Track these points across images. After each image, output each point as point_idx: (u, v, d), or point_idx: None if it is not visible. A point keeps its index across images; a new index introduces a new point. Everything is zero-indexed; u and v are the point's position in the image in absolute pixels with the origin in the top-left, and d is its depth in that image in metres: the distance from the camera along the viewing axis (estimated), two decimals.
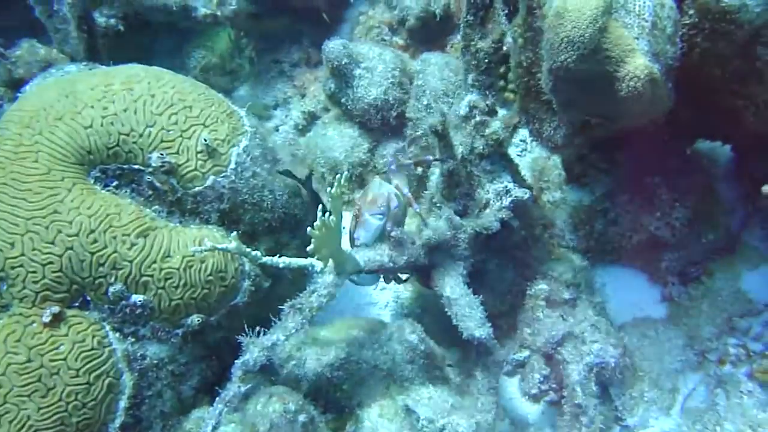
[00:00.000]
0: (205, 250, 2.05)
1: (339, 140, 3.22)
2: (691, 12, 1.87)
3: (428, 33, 3.47)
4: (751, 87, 1.99)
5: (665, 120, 2.09)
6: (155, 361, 2.15)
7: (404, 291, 3.02)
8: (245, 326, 2.11)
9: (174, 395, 2.21)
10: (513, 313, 2.69)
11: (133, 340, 2.11)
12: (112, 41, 3.18)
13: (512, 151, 3.24)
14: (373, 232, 2.39)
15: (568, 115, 1.98)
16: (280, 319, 2.12)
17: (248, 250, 2.10)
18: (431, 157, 2.36)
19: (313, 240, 1.95)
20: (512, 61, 2.14)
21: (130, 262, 2.08)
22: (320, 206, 1.96)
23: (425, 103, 2.97)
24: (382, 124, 3.18)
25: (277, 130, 3.55)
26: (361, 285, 2.78)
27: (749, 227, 2.70)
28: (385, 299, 3.03)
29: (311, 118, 3.52)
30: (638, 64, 1.70)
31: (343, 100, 3.17)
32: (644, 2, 1.73)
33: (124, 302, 2.07)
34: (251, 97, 3.62)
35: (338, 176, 2.02)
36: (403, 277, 2.60)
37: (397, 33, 3.58)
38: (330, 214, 2.03)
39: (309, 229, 1.93)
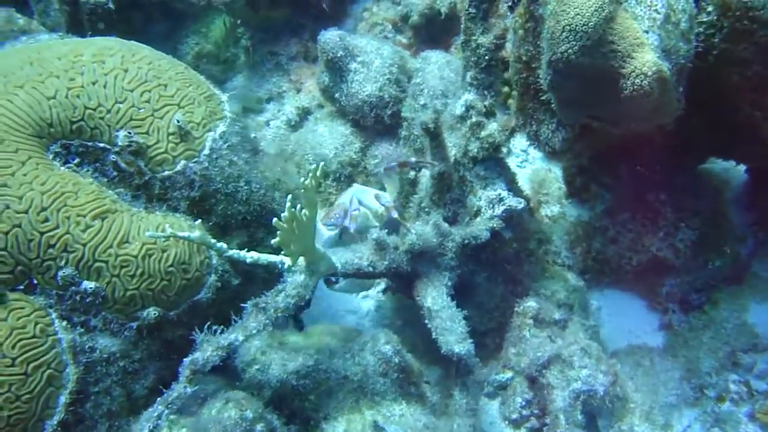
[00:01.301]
0: (164, 237, 1.89)
1: (330, 137, 3.06)
2: (709, 8, 1.70)
3: (433, 32, 3.32)
4: None
5: (674, 131, 1.92)
6: (105, 356, 1.97)
7: (387, 300, 2.84)
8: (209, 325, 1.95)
9: (124, 393, 2.03)
10: (501, 331, 2.51)
11: (82, 330, 1.94)
12: (101, 19, 3.03)
13: (513, 161, 3.08)
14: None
15: (567, 114, 1.81)
16: (241, 318, 1.95)
17: (213, 241, 1.94)
18: (414, 159, 2.19)
19: (279, 233, 1.78)
20: (510, 55, 1.98)
21: (83, 245, 1.91)
22: (289, 197, 1.79)
23: (422, 102, 2.81)
24: (376, 122, 3.02)
25: (268, 125, 3.40)
26: (345, 292, 2.63)
27: (760, 257, 2.51)
28: (367, 308, 2.85)
29: (305, 114, 3.37)
30: (646, 60, 1.53)
31: (336, 95, 3.01)
32: None
33: (73, 288, 1.90)
34: (245, 89, 3.47)
35: (313, 167, 1.85)
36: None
37: (401, 31, 3.43)
38: (302, 208, 1.86)
39: (275, 219, 1.76)
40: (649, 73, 1.54)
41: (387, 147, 3.00)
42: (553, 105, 1.82)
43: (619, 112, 1.66)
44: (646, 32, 1.56)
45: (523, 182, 2.90)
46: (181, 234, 1.87)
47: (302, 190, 1.86)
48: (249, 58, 3.41)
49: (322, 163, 1.89)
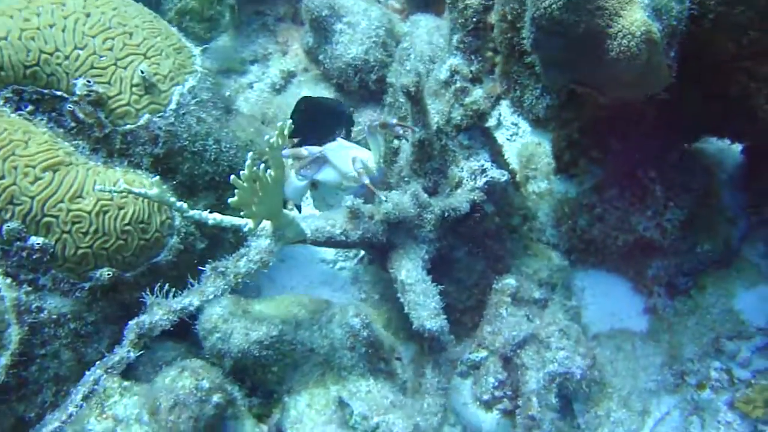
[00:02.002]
0: (116, 192, 1.77)
1: None
2: None
3: None
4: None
5: (667, 104, 1.79)
6: (54, 316, 1.87)
7: (364, 273, 2.73)
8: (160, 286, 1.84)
9: (74, 357, 1.93)
10: (479, 309, 2.40)
11: (29, 289, 1.83)
12: None
13: (502, 134, 2.96)
14: (293, 191, 2.14)
15: (551, 78, 1.68)
16: (198, 282, 1.84)
17: (173, 199, 1.82)
18: (394, 121, 2.07)
19: (237, 191, 1.66)
20: (495, 15, 1.85)
21: (32, 198, 1.80)
22: (250, 154, 1.67)
23: (408, 68, 2.67)
24: (360, 87, 2.89)
25: (251, 87, 3.26)
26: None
27: (751, 241, 2.40)
28: (343, 279, 2.74)
29: (290, 78, 3.23)
30: (635, 18, 1.41)
31: (320, 57, 2.88)
32: None
33: (19, 243, 1.79)
34: (229, 50, 3.32)
35: (280, 124, 1.73)
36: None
37: None
38: (267, 168, 1.74)
39: (233, 177, 1.65)
40: (638, 34, 1.41)
41: (371, 113, 2.87)
42: (536, 68, 1.69)
43: (605, 77, 1.54)
44: None
45: (512, 156, 2.78)
46: (136, 190, 1.76)
47: (267, 149, 1.74)
48: (234, 17, 3.26)
49: (289, 121, 1.76)
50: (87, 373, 1.73)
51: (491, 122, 2.87)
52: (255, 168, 1.68)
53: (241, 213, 1.76)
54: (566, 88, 1.73)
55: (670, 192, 2.15)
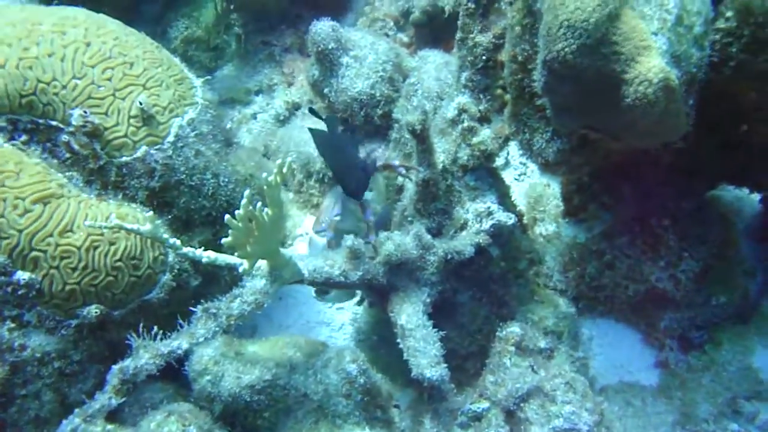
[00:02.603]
0: (107, 227, 1.69)
1: None
2: (728, 14, 1.50)
3: (435, 32, 3.13)
4: None
5: (683, 151, 1.72)
6: (38, 355, 1.79)
7: (364, 314, 2.65)
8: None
9: (57, 398, 1.84)
10: (482, 355, 2.30)
11: (12, 325, 1.75)
12: None
13: (510, 174, 2.89)
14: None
15: (562, 122, 1.61)
16: (189, 323, 1.76)
17: (166, 236, 1.74)
18: (398, 162, 2.00)
19: (231, 231, 1.59)
20: (505, 55, 1.78)
21: (20, 231, 1.73)
22: (246, 192, 1.60)
23: (415, 104, 2.62)
24: (366, 122, 2.82)
25: (255, 118, 3.21)
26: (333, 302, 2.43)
27: None
28: (341, 321, 2.66)
29: (294, 109, 3.18)
30: (652, 65, 1.33)
31: (326, 90, 2.82)
32: None
33: (3, 278, 1.71)
34: (234, 79, 3.29)
35: (279, 162, 1.66)
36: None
37: (402, 29, 3.25)
38: (264, 207, 1.67)
39: (227, 216, 1.57)
40: (655, 80, 1.33)
41: (374, 148, 2.80)
42: (547, 111, 1.62)
43: (619, 124, 1.46)
44: (655, 34, 1.37)
45: (519, 197, 2.71)
46: (128, 226, 1.69)
47: (265, 188, 1.66)
48: (240, 46, 3.23)
49: (289, 159, 1.69)
50: (64, 422, 1.63)
51: (499, 161, 2.81)
52: (251, 207, 1.60)
53: (236, 253, 1.68)
54: (578, 132, 1.66)
55: (685, 242, 2.07)
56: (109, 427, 1.82)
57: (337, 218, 2.35)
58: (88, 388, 1.89)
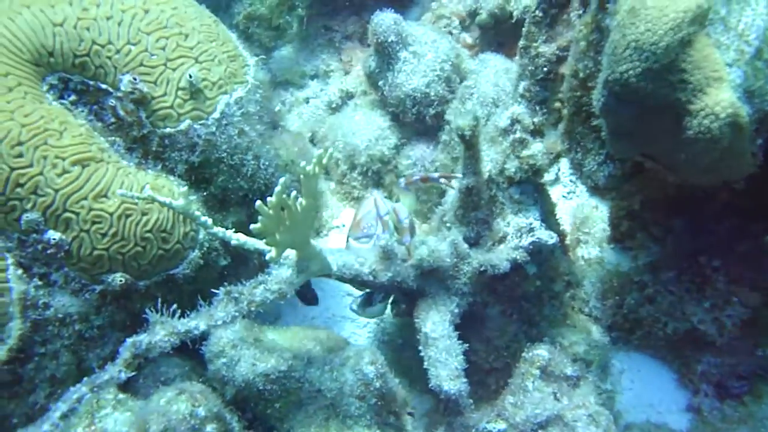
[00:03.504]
0: (139, 198, 1.68)
1: (365, 127, 2.81)
2: None
3: (501, 35, 3.05)
4: None
5: (745, 190, 1.61)
6: (60, 315, 1.79)
7: (391, 315, 2.59)
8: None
9: (74, 360, 1.84)
10: (507, 372, 2.23)
11: (39, 283, 1.76)
12: None
13: (558, 191, 2.80)
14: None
15: (618, 147, 1.52)
16: (210, 304, 1.73)
17: (197, 213, 1.72)
18: (438, 175, 1.95)
19: (260, 218, 1.55)
20: (567, 69, 1.70)
21: (56, 191, 1.72)
22: (281, 180, 1.56)
23: (469, 108, 2.55)
24: (417, 120, 2.76)
25: (307, 102, 3.18)
26: (366, 317, 2.39)
27: None
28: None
29: (348, 98, 3.14)
30: (721, 98, 1.24)
31: (380, 82, 2.77)
32: (753, 19, 1.26)
33: (35, 236, 1.71)
34: (291, 61, 3.25)
35: (319, 152, 1.61)
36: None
37: (467, 29, 3.16)
38: (298, 196, 1.63)
39: (258, 202, 1.53)
40: (722, 115, 1.24)
41: (423, 149, 2.74)
42: (603, 133, 1.54)
43: (678, 156, 1.37)
44: (729, 66, 1.27)
45: (565, 215, 2.62)
46: (161, 199, 1.66)
47: (302, 177, 1.62)
48: (302, 28, 3.20)
49: (330, 150, 1.65)
50: (71, 389, 1.62)
51: (548, 176, 2.72)
52: (285, 195, 1.57)
53: (264, 240, 1.64)
54: (632, 159, 1.57)
55: (735, 286, 1.95)
56: (121, 396, 1.81)
57: (387, 217, 2.28)
58: (106, 354, 1.89)
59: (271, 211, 1.55)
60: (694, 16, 1.23)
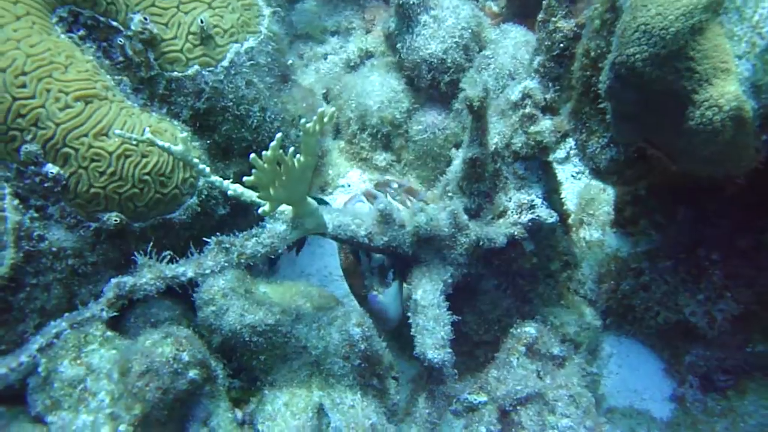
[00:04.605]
0: (138, 140, 1.67)
1: (379, 89, 2.78)
2: None
3: (527, 8, 2.97)
4: None
5: (749, 185, 1.57)
6: (54, 249, 1.80)
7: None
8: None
9: (65, 294, 1.86)
10: (496, 345, 2.24)
11: (36, 215, 1.77)
12: None
13: (568, 170, 2.76)
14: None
15: (621, 132, 1.49)
16: (200, 252, 1.74)
17: (196, 160, 1.71)
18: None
19: (254, 172, 1.55)
20: (579, 47, 1.65)
21: (57, 125, 1.72)
22: (278, 135, 1.54)
23: (485, 78, 2.50)
24: (431, 86, 2.73)
25: (325, 59, 3.14)
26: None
27: None
28: None
29: (366, 57, 3.09)
30: (727, 90, 1.20)
31: (398, 45, 2.73)
32: None
33: (34, 168, 1.72)
34: (313, 15, 3.21)
35: (321, 110, 1.59)
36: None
37: None
38: (296, 152, 1.62)
39: (252, 155, 1.53)
40: (726, 108, 1.20)
41: (435, 116, 2.71)
42: (608, 116, 1.50)
43: (679, 145, 1.34)
44: (739, 58, 1.23)
45: (571, 195, 2.59)
46: (159, 143, 1.66)
47: (302, 133, 1.61)
48: None
49: (332, 109, 1.63)
50: (52, 323, 1.65)
51: (560, 153, 2.69)
52: (282, 151, 1.56)
53: (257, 194, 1.64)
54: (635, 144, 1.54)
55: (730, 281, 1.92)
56: (109, 333, 1.84)
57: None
58: (98, 290, 1.90)
59: (265, 165, 1.54)
60: (709, 3, 1.19)
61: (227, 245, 1.73)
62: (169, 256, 1.71)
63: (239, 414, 1.98)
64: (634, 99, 1.34)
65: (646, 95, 1.30)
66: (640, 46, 1.23)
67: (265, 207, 1.70)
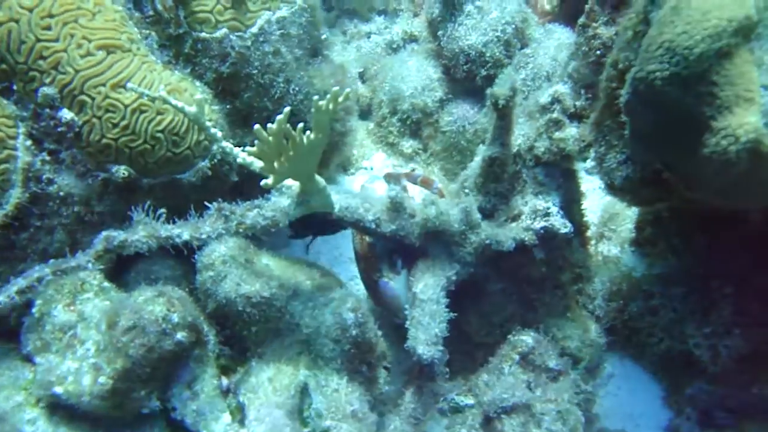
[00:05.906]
0: (150, 96, 1.67)
1: (415, 75, 2.73)
2: None
3: (581, 10, 2.87)
4: None
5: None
6: (62, 194, 1.82)
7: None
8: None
9: (67, 240, 1.87)
10: (496, 349, 2.19)
11: (48, 158, 1.78)
12: None
13: (596, 182, 2.67)
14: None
15: (636, 150, 1.43)
16: (200, 216, 1.73)
17: (208, 124, 1.70)
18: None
19: (257, 143, 1.52)
20: (609, 57, 1.58)
21: (76, 71, 1.73)
22: (286, 109, 1.52)
23: (522, 76, 2.44)
24: (467, 78, 2.66)
25: (368, 38, 3.10)
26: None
27: None
28: None
29: (409, 41, 3.04)
30: (746, 121, 1.12)
31: (440, 32, 2.67)
32: None
33: (49, 111, 1.73)
34: None
35: (336, 89, 1.56)
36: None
37: None
38: (305, 128, 1.59)
39: (256, 126, 1.50)
40: (743, 139, 1.12)
41: (467, 109, 2.65)
42: (626, 132, 1.44)
43: (693, 172, 1.26)
44: (765, 88, 1.15)
45: (596, 207, 2.51)
46: (173, 101, 1.65)
47: (313, 110, 1.58)
48: None
49: (348, 90, 1.59)
50: (35, 267, 1.66)
51: (589, 164, 2.61)
52: (285, 123, 1.53)
53: (260, 166, 1.62)
54: (652, 165, 1.47)
55: (740, 318, 1.84)
56: (106, 284, 1.86)
57: None
58: None
59: (270, 138, 1.52)
60: (739, 27, 1.11)
61: (227, 213, 1.72)
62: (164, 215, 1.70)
63: (225, 382, 1.97)
64: (651, 118, 1.27)
65: (663, 115, 1.23)
66: (662, 64, 1.17)
67: (269, 180, 1.68)
